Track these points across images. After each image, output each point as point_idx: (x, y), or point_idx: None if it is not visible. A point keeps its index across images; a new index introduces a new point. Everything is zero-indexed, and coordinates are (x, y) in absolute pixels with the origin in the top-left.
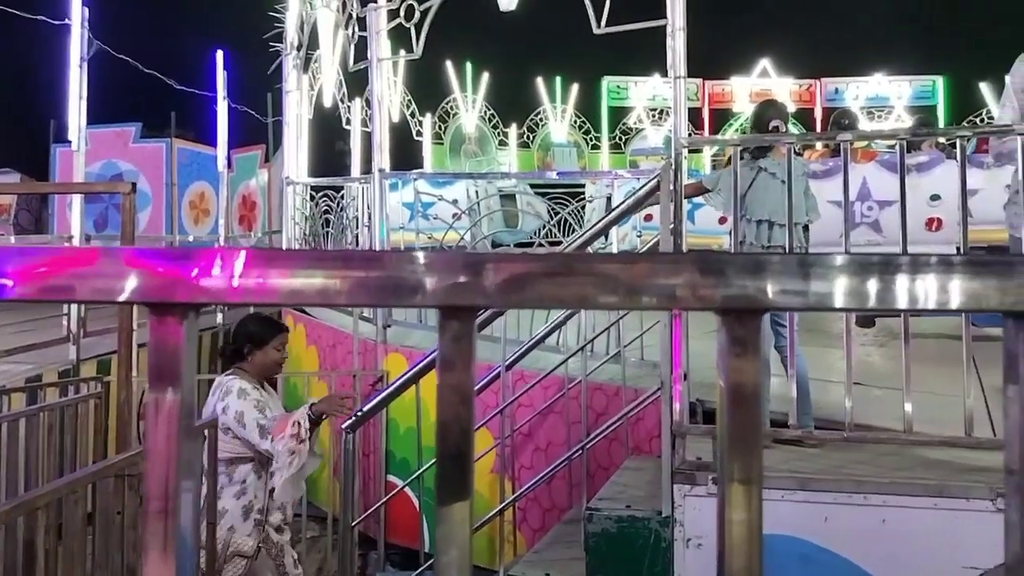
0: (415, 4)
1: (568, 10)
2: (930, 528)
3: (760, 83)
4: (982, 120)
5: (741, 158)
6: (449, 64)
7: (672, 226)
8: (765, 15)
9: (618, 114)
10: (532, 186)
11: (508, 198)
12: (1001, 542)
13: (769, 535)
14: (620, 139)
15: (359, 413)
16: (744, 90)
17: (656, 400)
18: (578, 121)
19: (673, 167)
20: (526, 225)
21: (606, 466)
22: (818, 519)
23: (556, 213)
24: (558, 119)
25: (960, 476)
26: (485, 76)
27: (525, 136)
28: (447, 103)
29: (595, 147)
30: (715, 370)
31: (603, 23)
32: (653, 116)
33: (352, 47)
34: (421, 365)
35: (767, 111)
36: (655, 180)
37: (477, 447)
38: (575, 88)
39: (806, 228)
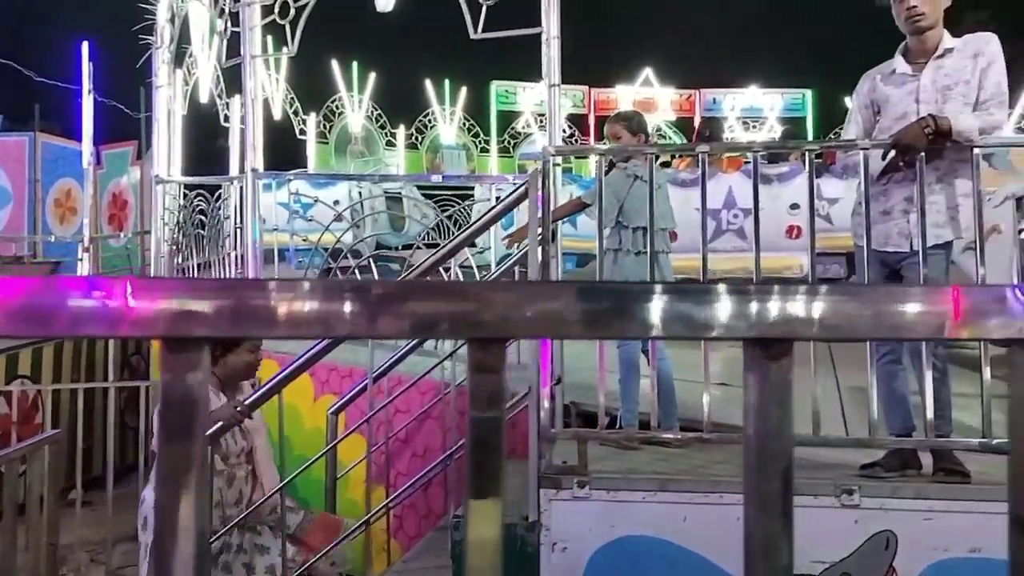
0: (290, 1)
1: (455, 14)
2: None
3: (643, 91)
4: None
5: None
6: (335, 63)
7: (540, 234)
8: (649, 27)
9: (507, 118)
10: (420, 188)
11: (394, 200)
12: (846, 537)
13: (631, 536)
14: (509, 143)
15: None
16: (628, 98)
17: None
18: (467, 124)
19: (541, 174)
20: (412, 228)
21: None
22: (678, 519)
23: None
24: (447, 121)
25: (809, 474)
26: (372, 76)
27: (414, 137)
28: (332, 102)
29: (484, 150)
30: (592, 372)
31: (479, 29)
32: (541, 121)
33: (225, 43)
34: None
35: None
36: (523, 187)
37: (353, 454)
38: (464, 91)
39: (673, 234)
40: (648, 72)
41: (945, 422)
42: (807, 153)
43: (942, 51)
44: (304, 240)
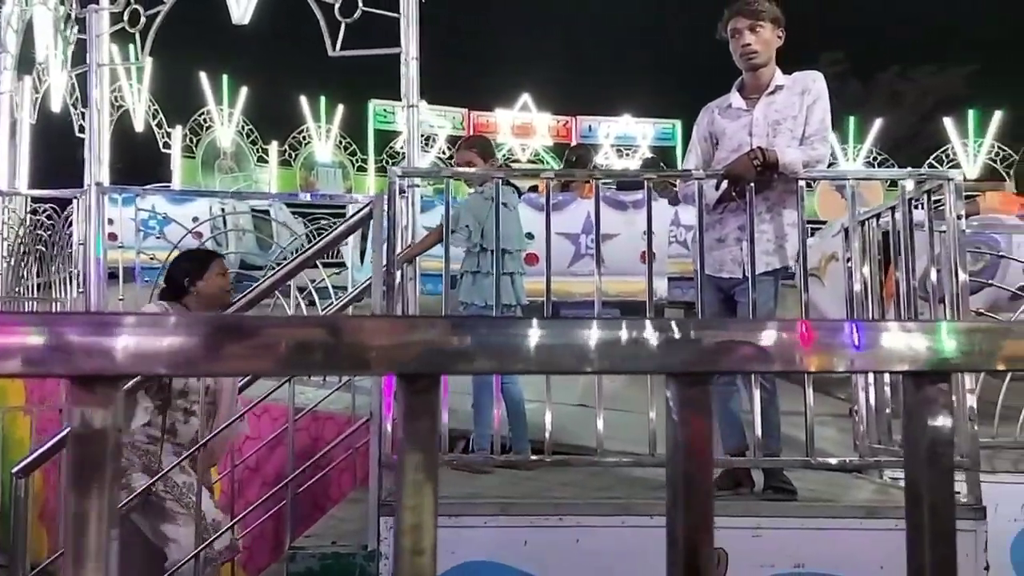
0: (140, 9)
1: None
2: (618, 546)
3: (522, 116)
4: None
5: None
6: (203, 75)
7: (385, 258)
8: (528, 52)
9: (385, 137)
10: (291, 206)
11: (262, 219)
12: None
13: (472, 562)
14: (387, 162)
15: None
16: (507, 122)
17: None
18: (344, 142)
19: (387, 195)
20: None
21: (336, 498)
22: (518, 543)
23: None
24: (322, 139)
25: (647, 494)
26: (244, 90)
27: (287, 154)
28: (200, 115)
29: (361, 169)
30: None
31: (338, 47)
32: (420, 141)
33: (70, 49)
34: None
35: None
36: (367, 209)
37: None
38: (341, 108)
39: (534, 256)
40: (526, 97)
41: (774, 441)
42: (645, 181)
43: (773, 87)
44: (152, 258)
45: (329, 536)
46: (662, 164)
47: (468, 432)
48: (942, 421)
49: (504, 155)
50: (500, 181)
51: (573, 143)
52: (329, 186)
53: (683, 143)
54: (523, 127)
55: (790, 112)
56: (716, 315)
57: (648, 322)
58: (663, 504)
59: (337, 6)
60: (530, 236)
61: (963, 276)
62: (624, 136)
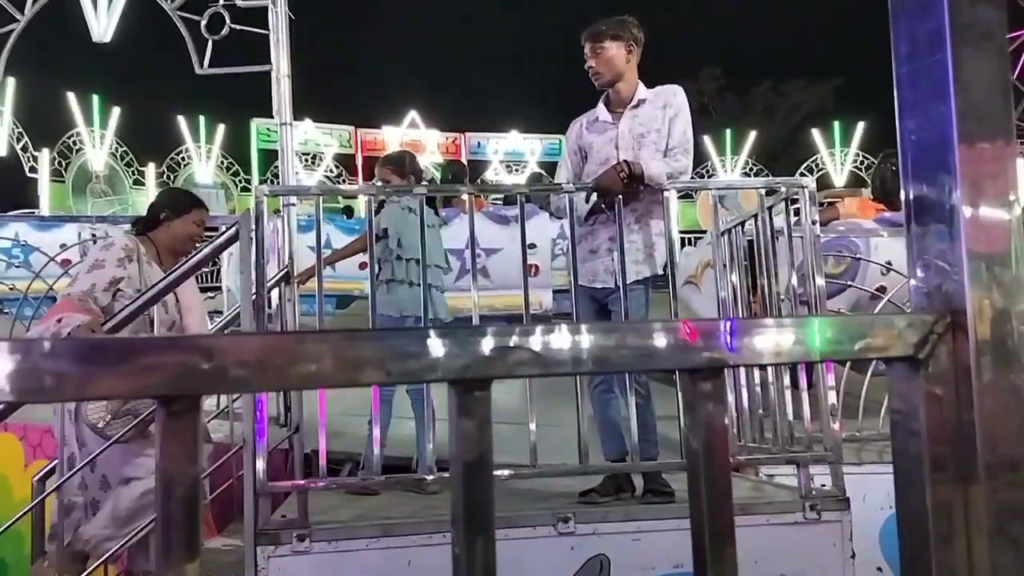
0: None
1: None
2: (503, 558)
3: (410, 133)
4: None
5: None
6: (72, 96)
7: (255, 278)
8: (415, 70)
9: (270, 157)
10: None
11: None
12: (564, 564)
13: None
14: (272, 182)
15: None
16: (395, 139)
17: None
18: (226, 162)
19: (254, 215)
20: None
21: (218, 530)
22: (401, 564)
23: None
24: (203, 159)
25: (532, 504)
26: (116, 111)
27: (165, 175)
28: (70, 137)
29: (245, 189)
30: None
31: (206, 64)
32: (306, 160)
33: None
34: None
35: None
36: (232, 229)
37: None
38: (222, 128)
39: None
40: (414, 114)
41: (651, 445)
42: (518, 196)
43: (636, 101)
44: (12, 288)
45: (206, 570)
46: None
47: (355, 454)
48: (716, 415)
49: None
50: (423, 197)
51: (463, 159)
52: (211, 208)
53: None
54: (412, 144)
55: (653, 125)
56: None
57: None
58: (546, 515)
59: (204, 23)
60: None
61: (819, 280)
62: (513, 152)
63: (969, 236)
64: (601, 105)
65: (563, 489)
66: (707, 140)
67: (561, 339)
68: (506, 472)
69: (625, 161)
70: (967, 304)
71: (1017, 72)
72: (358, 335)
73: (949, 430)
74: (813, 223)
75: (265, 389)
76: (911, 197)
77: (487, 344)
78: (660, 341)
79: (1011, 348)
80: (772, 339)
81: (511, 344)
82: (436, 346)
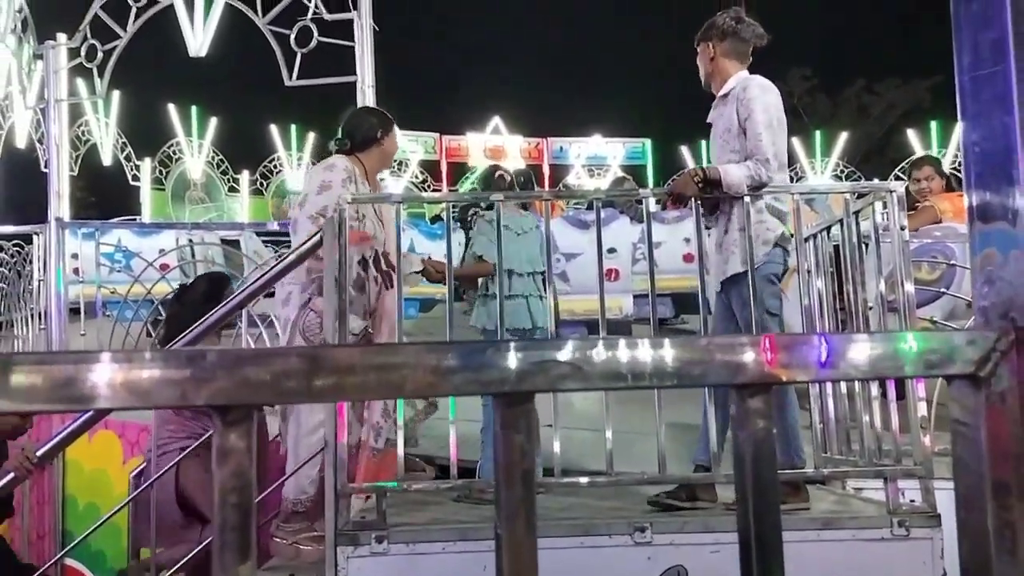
0: (98, 44)
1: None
2: (579, 565)
3: (493, 139)
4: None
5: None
6: (172, 107)
7: (336, 283)
8: (497, 76)
9: None
10: (261, 235)
11: (232, 247)
12: (639, 574)
13: None
14: None
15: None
16: (479, 145)
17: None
18: None
19: (338, 222)
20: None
21: None
22: (478, 568)
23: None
24: (294, 167)
25: (609, 512)
26: (213, 120)
27: (258, 183)
28: (170, 147)
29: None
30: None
31: (295, 76)
32: (393, 166)
33: (33, 85)
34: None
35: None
36: (318, 236)
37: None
38: (312, 137)
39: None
40: (497, 120)
41: (782, 452)
42: (594, 201)
43: (720, 96)
44: (113, 292)
45: (286, 568)
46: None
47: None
48: (764, 430)
49: (473, 179)
50: (502, 205)
51: (545, 164)
52: None
53: (653, 161)
54: (495, 149)
55: (727, 124)
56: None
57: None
58: (621, 523)
59: (293, 36)
60: None
61: (909, 287)
62: (595, 156)
63: None
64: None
65: (642, 498)
66: (796, 142)
67: (598, 353)
68: (584, 479)
69: (701, 168)
70: None
71: None
72: (396, 349)
73: (1012, 449)
74: (902, 228)
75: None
76: (974, 209)
77: (529, 358)
78: (708, 356)
79: None
80: (825, 356)
81: (556, 358)
82: (485, 358)
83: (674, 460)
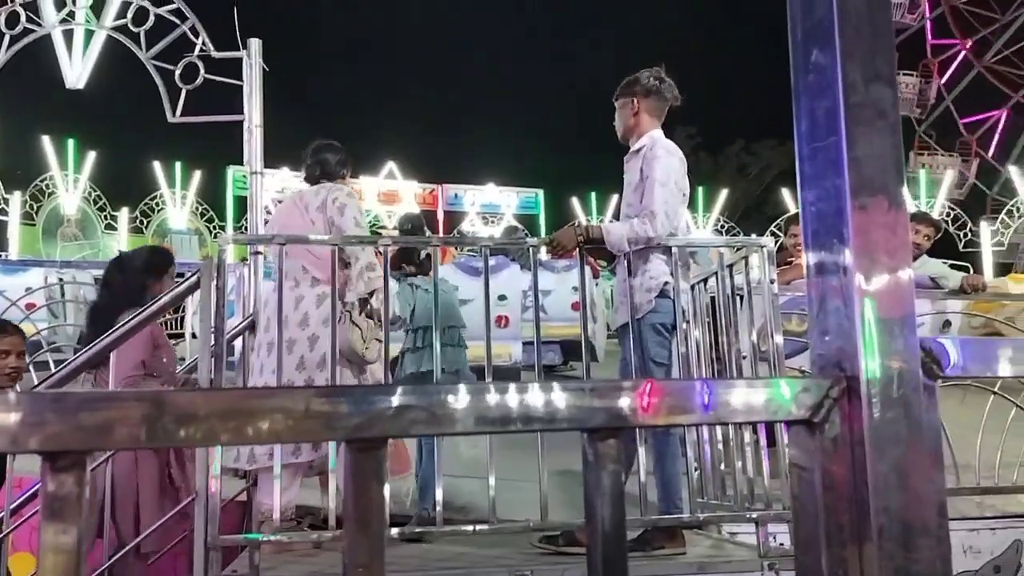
0: None
1: (187, 97)
2: None
3: (388, 183)
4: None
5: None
6: (46, 139)
7: (213, 327)
8: (394, 121)
9: (245, 204)
10: None
11: None
12: None
13: None
14: (247, 230)
15: None
16: (373, 189)
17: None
18: (201, 208)
19: (216, 263)
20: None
21: None
22: None
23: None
24: (177, 205)
25: (487, 561)
26: (91, 155)
27: (138, 220)
28: (43, 181)
29: (221, 234)
30: None
31: (179, 112)
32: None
33: None
34: None
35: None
36: (195, 277)
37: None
38: (198, 175)
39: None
40: (392, 165)
41: (660, 500)
42: (482, 248)
43: (633, 151)
44: None
45: None
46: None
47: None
48: (614, 474)
49: (370, 221)
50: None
51: (440, 210)
52: (184, 254)
53: (546, 211)
54: (389, 194)
55: (631, 179)
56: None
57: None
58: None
59: (178, 72)
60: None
61: (778, 338)
62: (489, 204)
63: (863, 303)
64: None
65: (526, 545)
66: None
67: (451, 399)
68: (467, 527)
69: (585, 226)
70: (861, 369)
71: (992, 150)
72: (244, 395)
73: (844, 492)
74: (772, 282)
75: (146, 446)
76: (812, 265)
77: (383, 403)
78: (561, 401)
79: (904, 413)
80: (668, 402)
81: (407, 404)
82: (333, 404)
83: (558, 507)
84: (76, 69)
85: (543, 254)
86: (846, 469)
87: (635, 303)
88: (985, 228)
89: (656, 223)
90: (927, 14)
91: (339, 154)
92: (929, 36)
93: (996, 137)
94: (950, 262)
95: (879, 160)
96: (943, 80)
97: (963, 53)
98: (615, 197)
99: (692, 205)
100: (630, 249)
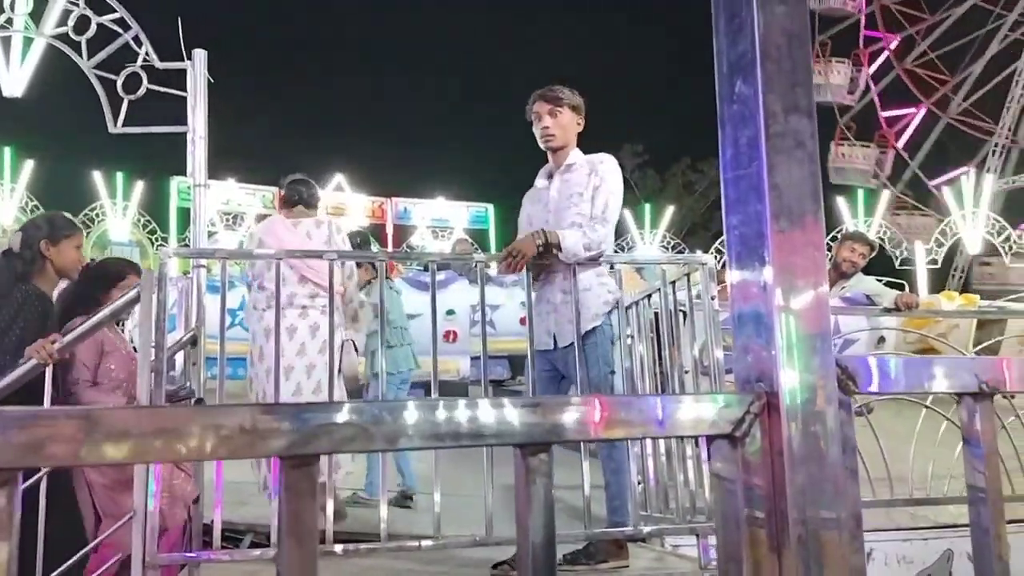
0: None
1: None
2: None
3: (336, 196)
4: None
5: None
6: None
7: (154, 341)
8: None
9: (189, 216)
10: None
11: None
12: None
13: None
14: (191, 241)
15: None
16: (321, 202)
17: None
18: (143, 220)
19: (157, 276)
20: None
21: None
22: None
23: None
24: (119, 215)
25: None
26: (29, 164)
27: None
28: None
29: (163, 248)
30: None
31: (120, 123)
32: (227, 220)
33: None
34: None
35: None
36: (136, 291)
37: None
38: (140, 185)
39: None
40: (340, 178)
41: (611, 511)
42: (429, 264)
43: (566, 166)
44: None
45: None
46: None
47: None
48: (545, 488)
49: None
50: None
51: (389, 224)
52: None
53: (496, 225)
54: (337, 207)
55: (577, 189)
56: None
57: None
58: None
59: (120, 82)
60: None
61: (718, 353)
62: (439, 218)
63: (781, 321)
64: (541, 174)
65: (472, 561)
66: (627, 214)
67: (384, 414)
68: (411, 542)
69: (543, 230)
70: (779, 385)
71: (904, 142)
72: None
73: (764, 503)
74: (712, 298)
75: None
76: (735, 285)
77: (312, 420)
78: (490, 416)
79: (820, 427)
80: (611, 416)
81: (338, 421)
82: (268, 421)
83: (504, 522)
84: (14, 77)
85: (492, 270)
86: (766, 481)
87: (591, 315)
88: (920, 247)
89: (608, 232)
90: (863, 8)
91: (312, 188)
92: (862, 26)
93: (908, 135)
94: (886, 279)
95: (797, 187)
96: (871, 71)
97: (886, 52)
98: None
99: (639, 221)
100: (584, 257)
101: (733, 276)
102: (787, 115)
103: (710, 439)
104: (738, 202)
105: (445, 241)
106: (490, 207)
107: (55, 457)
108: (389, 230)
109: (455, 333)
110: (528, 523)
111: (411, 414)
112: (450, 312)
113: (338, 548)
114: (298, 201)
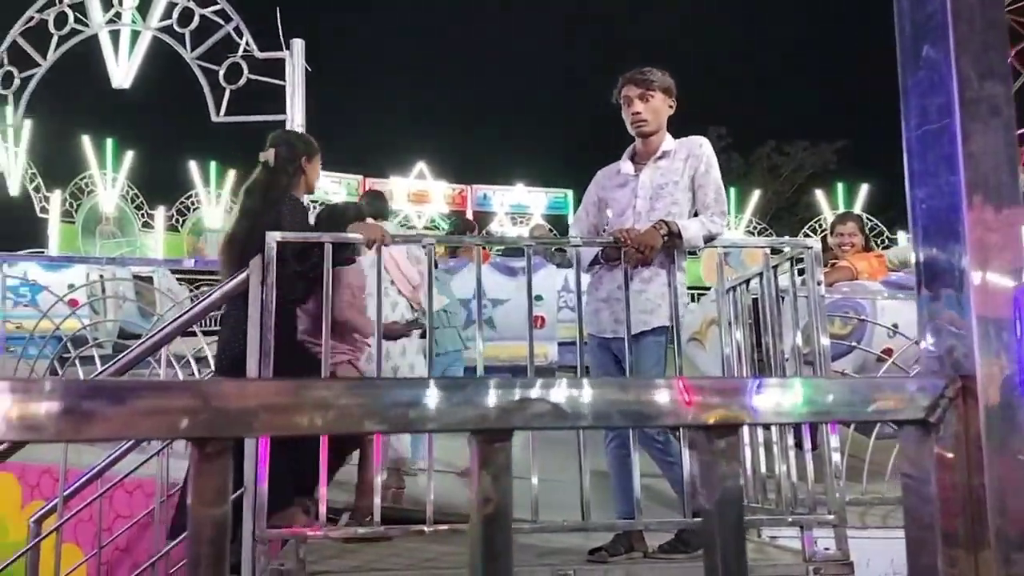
0: (14, 71)
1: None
2: None
3: (418, 184)
4: None
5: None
6: (86, 139)
7: (262, 322)
8: (422, 121)
9: None
10: (176, 272)
11: (144, 285)
12: None
13: None
14: None
15: None
16: (403, 189)
17: None
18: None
19: (264, 260)
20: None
21: None
22: None
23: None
24: (213, 203)
25: (534, 560)
26: (130, 154)
27: (175, 219)
28: (82, 179)
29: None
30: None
31: (222, 112)
32: (314, 207)
33: None
34: None
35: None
36: (244, 274)
37: (67, 567)
38: (232, 174)
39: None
40: (422, 165)
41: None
42: (525, 248)
43: (661, 153)
44: (18, 327)
45: None
46: (552, 230)
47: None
48: (731, 473)
49: (400, 221)
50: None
51: (468, 211)
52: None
53: (575, 212)
54: (419, 194)
55: (672, 177)
56: (606, 375)
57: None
58: (545, 570)
59: (222, 72)
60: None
61: (824, 340)
62: (518, 205)
63: (978, 302)
64: (625, 157)
65: (566, 546)
66: None
67: (581, 393)
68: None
69: (663, 220)
70: (977, 369)
71: None
72: (363, 385)
73: (960, 495)
74: (818, 284)
75: (262, 434)
76: (922, 263)
77: (508, 395)
78: (662, 398)
79: (1020, 413)
80: (785, 399)
81: (532, 396)
82: (445, 397)
83: (598, 508)
84: (122, 69)
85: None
86: (961, 472)
87: (666, 313)
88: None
89: (725, 220)
90: None
91: (386, 203)
92: None
93: None
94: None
95: (994, 157)
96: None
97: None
98: None
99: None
100: (704, 246)
101: (920, 253)
102: (981, 80)
103: (900, 424)
104: (926, 174)
105: (523, 227)
106: (569, 192)
107: (268, 426)
108: (469, 216)
109: (542, 318)
110: (714, 506)
111: (601, 393)
112: (538, 298)
113: (427, 528)
114: (375, 215)
